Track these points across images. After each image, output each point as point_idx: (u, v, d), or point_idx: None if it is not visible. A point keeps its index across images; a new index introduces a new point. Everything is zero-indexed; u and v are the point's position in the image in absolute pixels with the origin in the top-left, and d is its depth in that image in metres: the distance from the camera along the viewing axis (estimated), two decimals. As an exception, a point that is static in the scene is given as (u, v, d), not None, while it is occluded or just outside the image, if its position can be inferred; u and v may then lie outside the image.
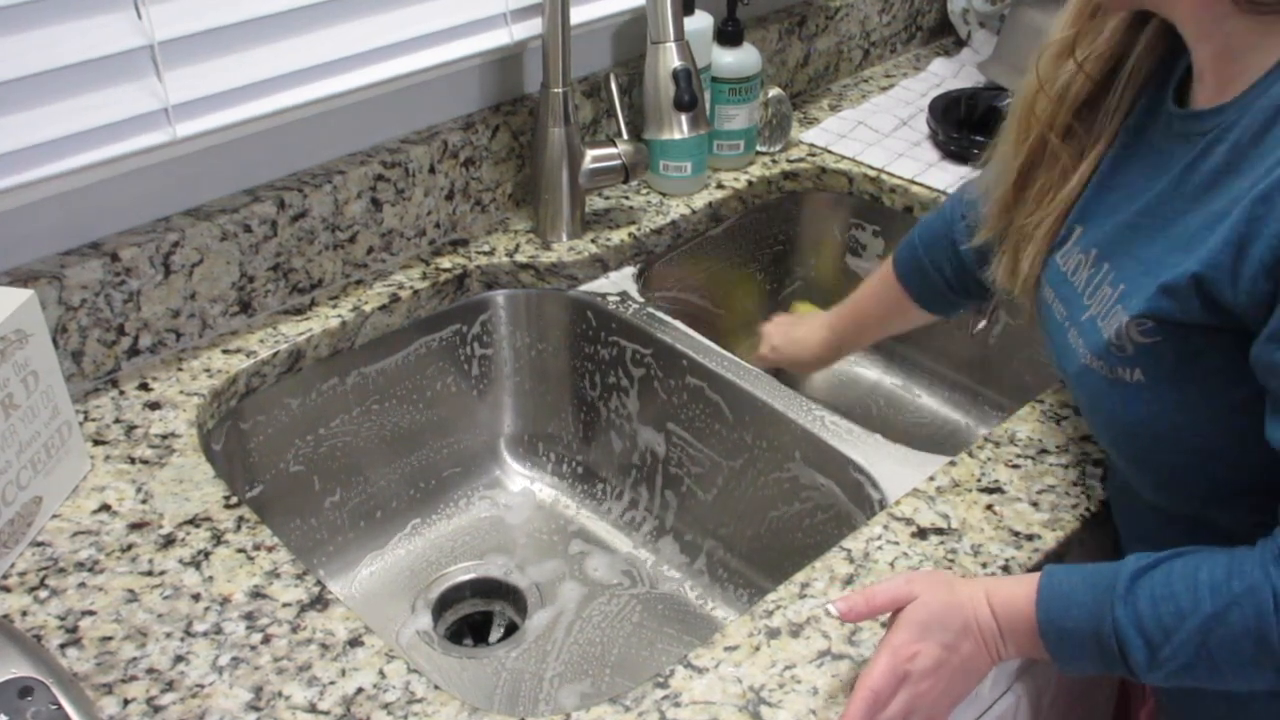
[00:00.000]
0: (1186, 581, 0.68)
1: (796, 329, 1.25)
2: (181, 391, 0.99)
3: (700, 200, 1.30)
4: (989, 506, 0.89)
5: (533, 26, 1.16)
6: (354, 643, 0.78)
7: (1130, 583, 0.70)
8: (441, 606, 1.15)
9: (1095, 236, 0.80)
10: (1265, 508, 0.71)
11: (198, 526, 0.86)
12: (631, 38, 1.29)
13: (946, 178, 1.34)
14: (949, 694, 0.75)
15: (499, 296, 1.20)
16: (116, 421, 0.96)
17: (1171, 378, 0.73)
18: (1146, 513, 0.84)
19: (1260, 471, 0.71)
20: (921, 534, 0.87)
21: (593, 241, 1.22)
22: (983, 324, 1.31)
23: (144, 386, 1.00)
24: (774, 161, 1.38)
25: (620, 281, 1.21)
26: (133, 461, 0.92)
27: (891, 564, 0.84)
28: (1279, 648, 0.66)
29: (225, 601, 0.80)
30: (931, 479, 0.92)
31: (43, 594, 0.80)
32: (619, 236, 1.23)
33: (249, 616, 0.79)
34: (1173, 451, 0.76)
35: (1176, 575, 0.69)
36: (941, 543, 0.86)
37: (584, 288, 1.20)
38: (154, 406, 0.97)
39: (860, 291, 1.19)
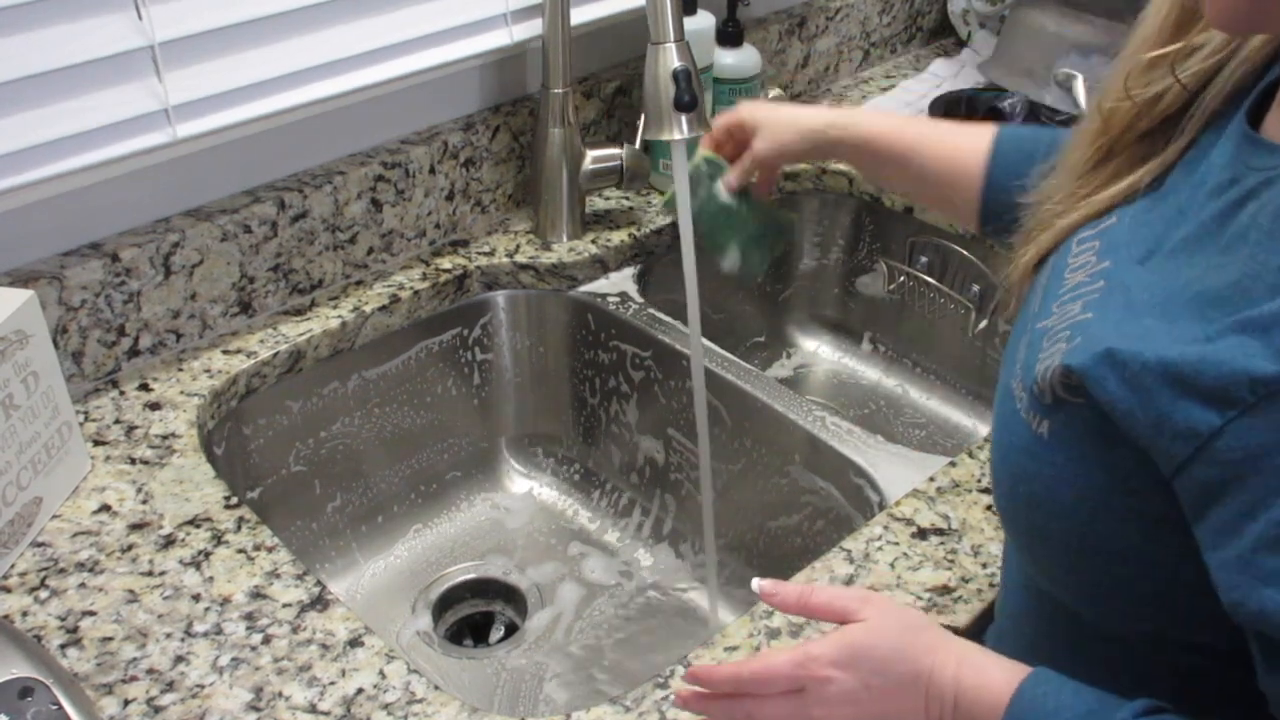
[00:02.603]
0: None
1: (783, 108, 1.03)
2: (182, 392, 0.99)
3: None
4: (989, 507, 0.89)
5: (533, 27, 1.16)
6: (354, 643, 0.78)
7: None
8: (442, 607, 1.15)
9: (1120, 242, 0.66)
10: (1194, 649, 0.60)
11: (198, 527, 0.86)
12: (631, 38, 1.29)
13: (946, 178, 1.33)
14: (874, 704, 0.63)
15: (499, 297, 1.20)
16: (117, 422, 0.96)
17: (1079, 454, 0.59)
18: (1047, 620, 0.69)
19: (1182, 607, 0.59)
20: (921, 534, 0.87)
21: (593, 242, 1.22)
22: (983, 323, 1.31)
23: (144, 387, 1.00)
24: (774, 162, 1.38)
25: (620, 282, 1.21)
26: (133, 462, 0.92)
27: (891, 564, 0.84)
28: None
29: (225, 602, 0.80)
30: (931, 479, 0.92)
31: (43, 594, 0.80)
32: (619, 237, 1.23)
33: (249, 617, 0.79)
34: (1072, 529, 0.61)
35: None
36: (941, 543, 0.86)
37: (584, 288, 1.20)
38: (154, 407, 0.97)
39: (903, 121, 0.99)
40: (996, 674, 0.61)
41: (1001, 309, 0.77)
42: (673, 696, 0.74)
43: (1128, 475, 0.57)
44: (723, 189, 1.01)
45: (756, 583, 0.66)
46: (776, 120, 0.99)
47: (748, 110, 1.01)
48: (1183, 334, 0.54)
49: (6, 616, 0.79)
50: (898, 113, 1.48)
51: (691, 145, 1.01)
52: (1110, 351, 0.56)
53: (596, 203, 1.28)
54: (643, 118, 1.22)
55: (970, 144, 0.93)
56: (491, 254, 1.19)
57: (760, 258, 1.05)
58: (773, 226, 1.06)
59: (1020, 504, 0.63)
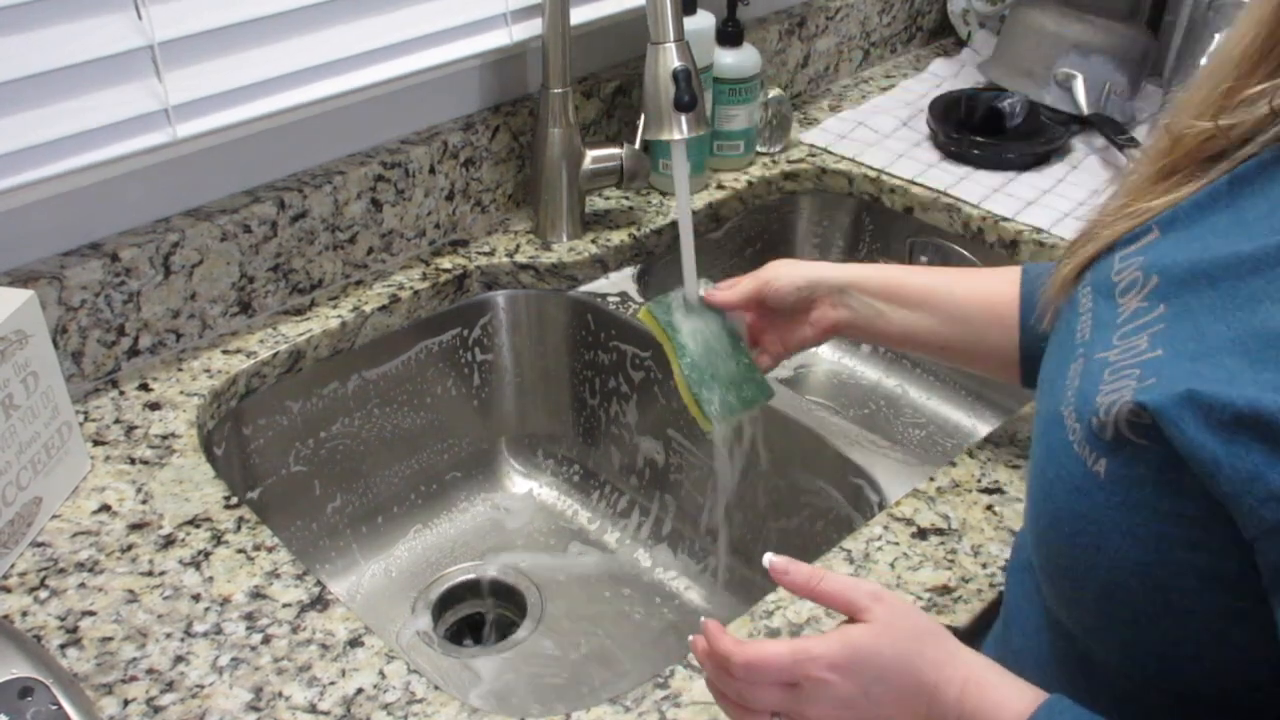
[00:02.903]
0: None
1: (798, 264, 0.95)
2: (181, 392, 0.99)
3: (700, 201, 1.30)
4: (989, 507, 0.89)
5: (533, 27, 1.16)
6: (354, 643, 0.78)
7: None
8: (441, 607, 1.15)
9: (1168, 260, 0.61)
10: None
11: (198, 527, 0.86)
12: (631, 38, 1.29)
13: (946, 178, 1.34)
14: (869, 710, 0.61)
15: (499, 297, 1.20)
16: (116, 422, 0.96)
17: (1138, 500, 0.56)
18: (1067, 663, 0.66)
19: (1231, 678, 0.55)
20: (921, 534, 0.87)
21: (593, 242, 1.22)
22: None
23: (144, 387, 1.00)
24: (774, 162, 1.38)
25: (620, 282, 1.21)
26: (133, 462, 0.92)
27: (891, 564, 0.84)
28: None
29: (225, 602, 0.80)
30: (931, 479, 0.92)
31: (43, 594, 0.80)
32: (619, 237, 1.23)
33: (249, 617, 0.79)
34: (1116, 577, 0.57)
35: None
36: (941, 543, 0.86)
37: (584, 288, 1.20)
38: (154, 407, 0.97)
39: (921, 272, 0.92)
40: (1005, 697, 0.58)
41: (1039, 323, 0.75)
42: (672, 692, 0.74)
43: (1191, 528, 0.54)
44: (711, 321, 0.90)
45: (769, 558, 0.64)
46: (787, 262, 0.93)
47: (778, 293, 0.92)
48: (1274, 381, 0.50)
49: (6, 616, 0.79)
50: (897, 113, 1.48)
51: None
52: (1192, 394, 0.52)
53: (596, 203, 1.28)
54: (642, 118, 1.22)
55: (998, 284, 0.87)
56: (491, 254, 1.19)
57: (731, 405, 0.91)
58: (755, 380, 0.93)
59: (1062, 544, 0.60)
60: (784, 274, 0.91)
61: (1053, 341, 0.69)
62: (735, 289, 0.92)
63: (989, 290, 0.87)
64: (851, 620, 0.62)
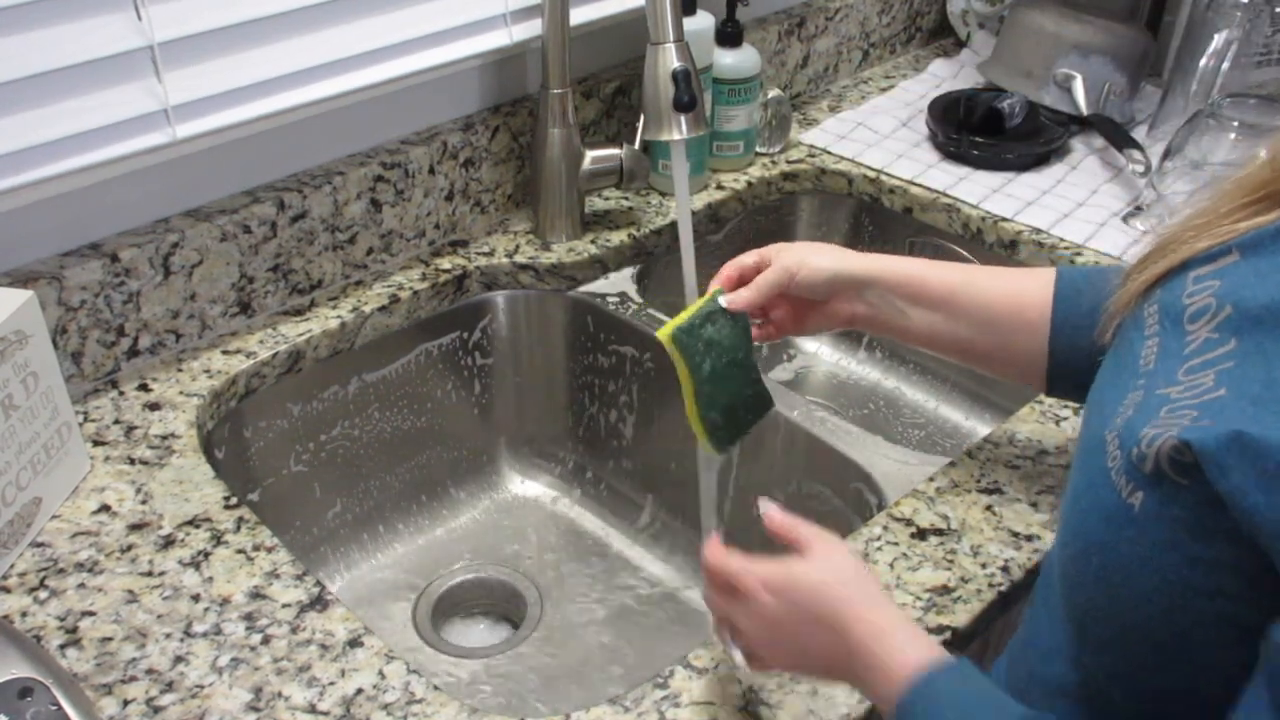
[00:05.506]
0: None
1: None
2: (181, 392, 0.99)
3: (700, 201, 1.30)
4: (989, 507, 0.89)
5: (533, 27, 1.16)
6: (354, 643, 0.78)
7: None
8: (442, 608, 1.15)
9: (1245, 291, 0.57)
10: None
11: (197, 527, 0.86)
12: (631, 38, 1.29)
13: (946, 179, 1.34)
14: (776, 644, 0.68)
15: (498, 298, 1.20)
16: (116, 422, 0.96)
17: (1170, 540, 0.53)
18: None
19: None
20: (921, 534, 0.87)
21: (592, 242, 1.22)
22: None
23: (144, 387, 1.00)
24: (773, 163, 1.38)
25: (620, 282, 1.21)
26: (132, 462, 0.92)
27: (891, 564, 0.84)
28: None
29: (225, 602, 0.80)
30: (931, 480, 0.92)
31: (42, 594, 0.80)
32: (618, 237, 1.23)
33: (249, 617, 0.79)
34: (1138, 626, 0.56)
35: None
36: (941, 543, 0.86)
37: (584, 289, 1.20)
38: (154, 407, 0.97)
39: (949, 267, 0.87)
40: (904, 645, 0.63)
41: (1100, 336, 0.69)
42: (672, 692, 0.74)
43: (1220, 576, 0.51)
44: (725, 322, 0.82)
45: (763, 503, 0.69)
46: (810, 250, 0.86)
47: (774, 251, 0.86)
48: None
49: (6, 616, 0.79)
50: (897, 113, 1.48)
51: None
52: (1240, 435, 0.49)
53: (596, 203, 1.28)
54: (642, 118, 1.22)
55: (1030, 285, 0.82)
56: (491, 254, 1.20)
57: (736, 427, 0.84)
58: (759, 393, 0.86)
59: (1089, 576, 0.58)
60: (810, 264, 0.84)
61: (1110, 359, 0.65)
62: (757, 288, 0.84)
63: (1019, 292, 0.83)
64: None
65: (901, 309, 0.85)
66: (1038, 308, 0.81)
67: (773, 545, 1.13)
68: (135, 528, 0.86)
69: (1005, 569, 0.84)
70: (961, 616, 0.80)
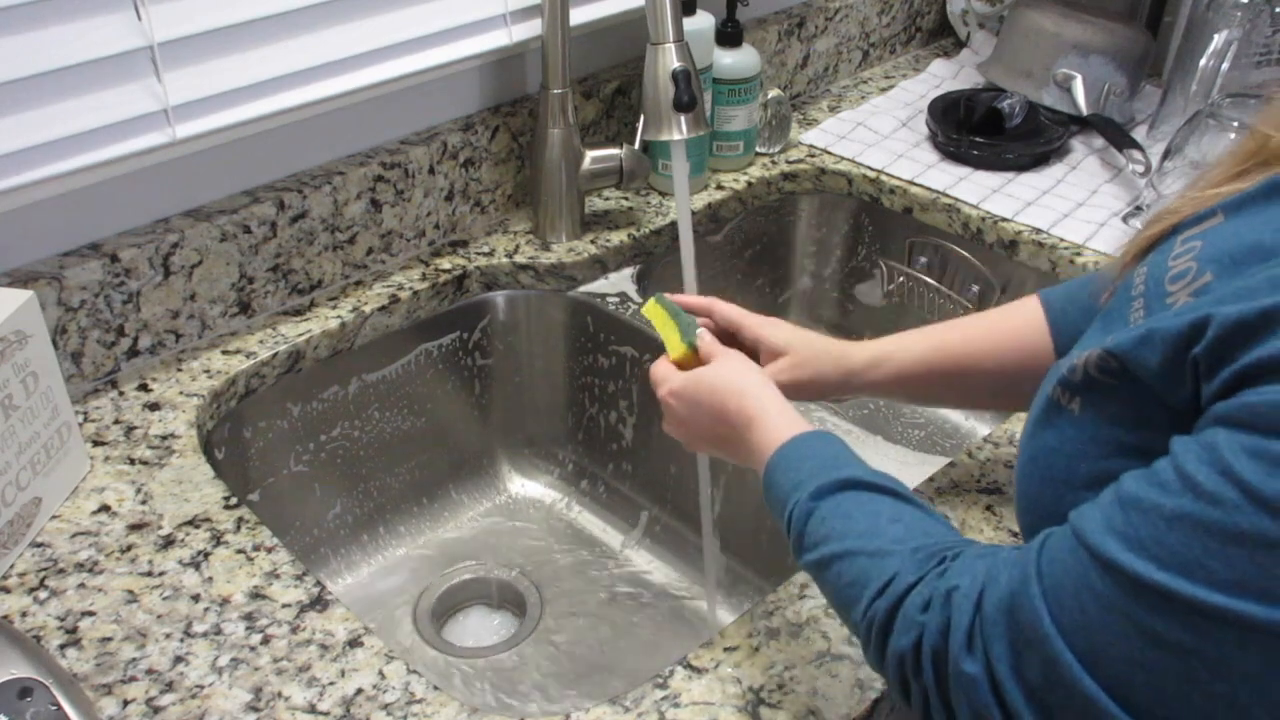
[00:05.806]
0: (870, 521, 0.64)
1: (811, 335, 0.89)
2: (181, 392, 0.99)
3: (700, 201, 1.30)
4: (989, 507, 0.89)
5: (533, 27, 1.16)
6: (353, 643, 0.78)
7: (834, 489, 0.67)
8: (442, 608, 1.15)
9: (1225, 245, 0.60)
10: None
11: (197, 527, 0.86)
12: (631, 38, 1.29)
13: (946, 179, 1.34)
14: (692, 437, 0.81)
15: (498, 298, 1.20)
16: (116, 422, 0.96)
17: (1107, 436, 0.59)
18: None
19: None
20: (921, 535, 0.87)
21: (592, 242, 1.22)
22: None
23: (143, 387, 1.00)
24: (773, 163, 1.38)
25: (619, 283, 1.21)
26: (132, 462, 0.92)
27: (891, 565, 0.84)
28: (857, 623, 0.63)
29: (225, 602, 0.80)
30: (931, 480, 0.92)
31: (42, 595, 0.80)
32: (618, 237, 1.23)
33: (248, 617, 0.79)
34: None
35: (867, 509, 0.65)
36: (941, 543, 0.86)
37: (583, 289, 1.20)
38: (153, 407, 0.97)
39: (937, 326, 0.90)
40: (784, 425, 0.73)
41: (1100, 303, 0.73)
42: (671, 692, 0.74)
43: (1150, 461, 0.55)
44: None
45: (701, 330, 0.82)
46: (809, 344, 0.86)
47: (768, 328, 0.87)
48: (1238, 289, 0.53)
49: (6, 617, 0.79)
50: (897, 113, 1.48)
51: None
52: (1151, 330, 0.56)
53: (596, 203, 1.28)
54: (642, 118, 1.22)
55: (1028, 334, 0.85)
56: (491, 254, 1.20)
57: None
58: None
59: (1035, 479, 0.64)
60: (812, 362, 0.86)
61: (1100, 319, 0.68)
62: (714, 302, 0.90)
63: (1020, 347, 0.85)
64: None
65: (912, 391, 0.89)
66: (1046, 353, 0.84)
67: (763, 521, 1.13)
68: (135, 528, 0.86)
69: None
70: (961, 616, 0.80)
